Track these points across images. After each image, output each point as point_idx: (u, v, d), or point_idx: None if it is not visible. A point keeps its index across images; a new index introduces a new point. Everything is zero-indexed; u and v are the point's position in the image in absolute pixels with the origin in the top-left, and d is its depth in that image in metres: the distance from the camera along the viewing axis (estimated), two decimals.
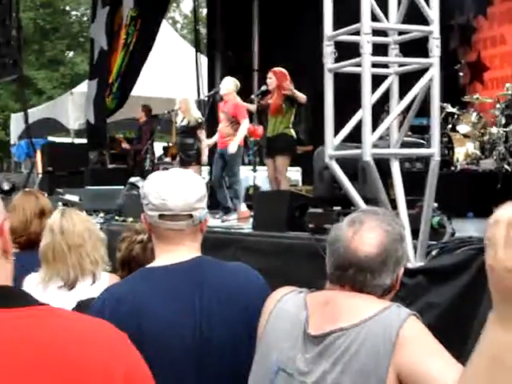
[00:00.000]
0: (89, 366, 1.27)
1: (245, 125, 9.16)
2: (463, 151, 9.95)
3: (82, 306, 2.99)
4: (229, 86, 9.49)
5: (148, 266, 2.54)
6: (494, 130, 9.81)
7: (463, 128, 10.19)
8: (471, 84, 13.30)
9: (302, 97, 8.95)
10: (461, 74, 11.61)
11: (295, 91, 8.91)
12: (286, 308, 2.25)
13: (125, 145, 14.36)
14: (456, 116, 10.39)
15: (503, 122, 9.42)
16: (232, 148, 8.95)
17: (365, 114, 4.03)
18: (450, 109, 10.44)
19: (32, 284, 3.40)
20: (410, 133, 11.01)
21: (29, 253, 3.68)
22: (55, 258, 3.48)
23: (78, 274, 3.47)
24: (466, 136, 10.14)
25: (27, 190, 4.81)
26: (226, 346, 2.38)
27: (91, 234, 3.59)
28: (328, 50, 4.32)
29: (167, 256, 2.46)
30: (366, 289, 2.20)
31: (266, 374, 2.21)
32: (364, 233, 2.18)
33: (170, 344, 2.32)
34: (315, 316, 2.18)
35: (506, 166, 8.92)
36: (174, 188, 2.43)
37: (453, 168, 9.59)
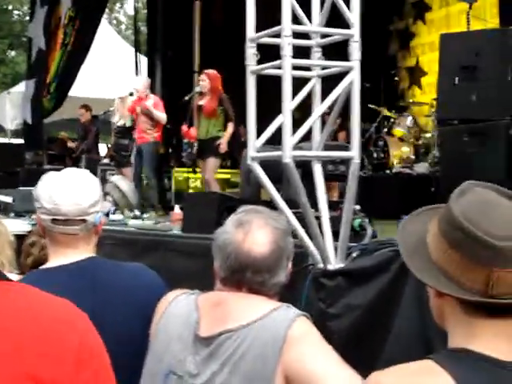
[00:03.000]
0: (46, 336, 1.37)
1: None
2: (398, 155, 10.07)
3: None
4: (145, 83, 10.06)
5: (40, 267, 2.51)
6: (428, 134, 9.95)
7: (398, 132, 10.32)
8: (410, 89, 13.47)
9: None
10: (396, 78, 11.76)
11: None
12: (177, 310, 2.22)
13: (70, 144, 14.15)
14: (392, 120, 10.52)
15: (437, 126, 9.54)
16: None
17: (285, 116, 4.01)
18: (386, 113, 10.58)
19: None
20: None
21: None
22: None
23: None
24: (401, 140, 10.27)
25: None
26: (122, 344, 2.30)
27: None
28: (250, 52, 4.30)
29: (60, 258, 2.44)
30: (264, 289, 2.18)
31: (157, 376, 2.18)
32: (254, 233, 2.17)
33: None
34: (206, 318, 2.16)
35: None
36: (67, 192, 2.40)
37: (388, 171, 9.70)
